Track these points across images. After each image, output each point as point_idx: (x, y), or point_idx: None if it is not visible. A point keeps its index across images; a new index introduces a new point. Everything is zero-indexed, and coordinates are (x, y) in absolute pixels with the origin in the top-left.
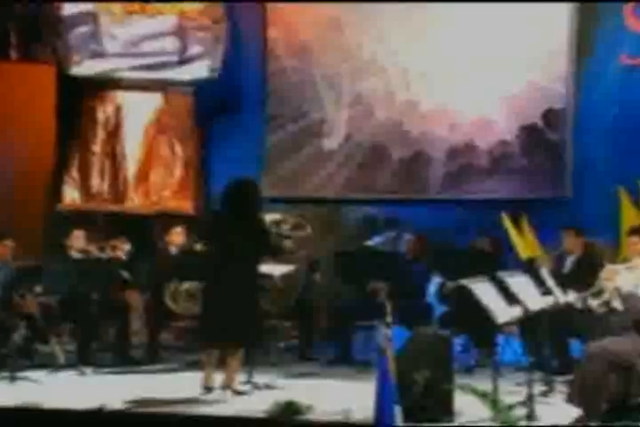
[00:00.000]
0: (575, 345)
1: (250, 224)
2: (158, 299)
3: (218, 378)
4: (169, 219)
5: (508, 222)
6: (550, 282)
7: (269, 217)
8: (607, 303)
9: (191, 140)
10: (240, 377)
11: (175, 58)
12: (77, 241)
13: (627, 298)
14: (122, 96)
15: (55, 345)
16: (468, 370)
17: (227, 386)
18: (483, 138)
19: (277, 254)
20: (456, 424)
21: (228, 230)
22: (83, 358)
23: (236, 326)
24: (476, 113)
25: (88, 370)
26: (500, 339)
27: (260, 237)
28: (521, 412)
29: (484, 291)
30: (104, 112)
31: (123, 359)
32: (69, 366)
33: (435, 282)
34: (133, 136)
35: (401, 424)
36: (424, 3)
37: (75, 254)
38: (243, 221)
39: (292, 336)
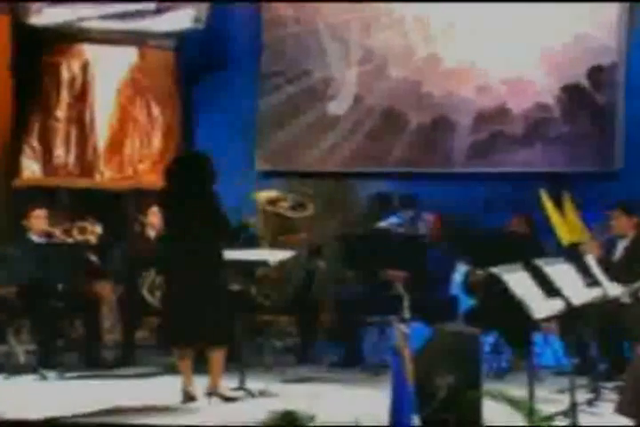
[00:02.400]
0: (626, 346)
1: (201, 204)
2: (134, 290)
3: (203, 382)
4: (146, 196)
5: (546, 201)
6: (597, 271)
7: (264, 195)
8: None
9: (172, 103)
10: (230, 382)
11: (153, 5)
12: (38, 222)
13: None
14: (90, 51)
15: (13, 344)
16: (500, 374)
17: (212, 391)
18: (517, 101)
19: (233, 240)
20: None
21: (178, 212)
22: (45, 360)
23: (197, 323)
24: (509, 71)
25: (51, 374)
26: (538, 338)
27: (214, 219)
28: (562, 423)
29: (518, 281)
30: (69, 70)
31: (92, 361)
32: (29, 369)
33: (460, 270)
34: (104, 98)
35: None
36: None
37: (35, 238)
38: (192, 199)
39: (291, 334)
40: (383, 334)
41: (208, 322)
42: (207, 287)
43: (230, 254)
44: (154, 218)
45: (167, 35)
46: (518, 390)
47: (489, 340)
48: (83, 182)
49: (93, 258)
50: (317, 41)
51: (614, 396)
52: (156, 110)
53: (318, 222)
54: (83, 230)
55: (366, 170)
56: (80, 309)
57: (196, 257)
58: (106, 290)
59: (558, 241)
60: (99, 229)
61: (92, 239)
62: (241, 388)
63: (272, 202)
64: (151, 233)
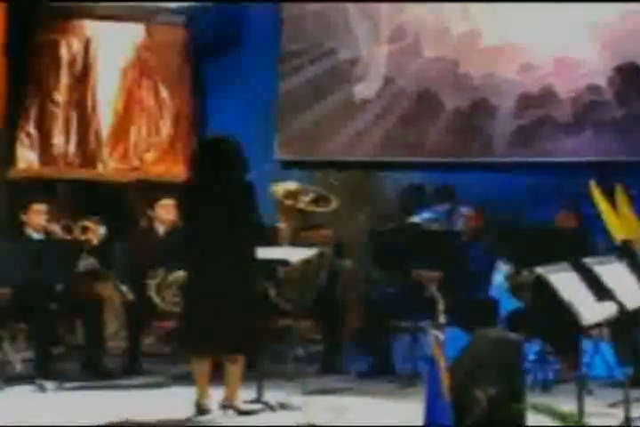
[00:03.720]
0: None
1: (232, 196)
2: (140, 293)
3: (216, 394)
4: (154, 189)
5: (597, 193)
6: None
7: (283, 187)
8: None
9: (182, 85)
10: (247, 394)
11: None
12: (37, 217)
13: None
14: (92, 28)
15: (8, 352)
16: (546, 386)
17: (227, 404)
18: (565, 82)
19: (263, 238)
20: None
21: (204, 205)
22: (42, 370)
23: (224, 329)
24: (557, 49)
25: (49, 385)
26: (588, 346)
27: (245, 214)
28: None
29: (565, 282)
30: (69, 49)
31: (94, 371)
32: (25, 379)
33: (501, 270)
34: (107, 80)
35: None
36: None
37: (33, 234)
38: (221, 192)
39: (314, 341)
40: (416, 340)
41: (234, 328)
42: (235, 290)
43: None
44: (162, 212)
45: (177, 10)
46: (566, 404)
47: (533, 348)
48: (84, 174)
49: (96, 257)
50: (343, 17)
51: None
52: (164, 93)
53: (343, 218)
54: (85, 230)
55: (397, 159)
56: (81, 312)
57: (223, 256)
58: (109, 292)
59: (610, 238)
60: (102, 229)
61: (95, 241)
62: (259, 400)
63: (292, 195)
64: (160, 229)
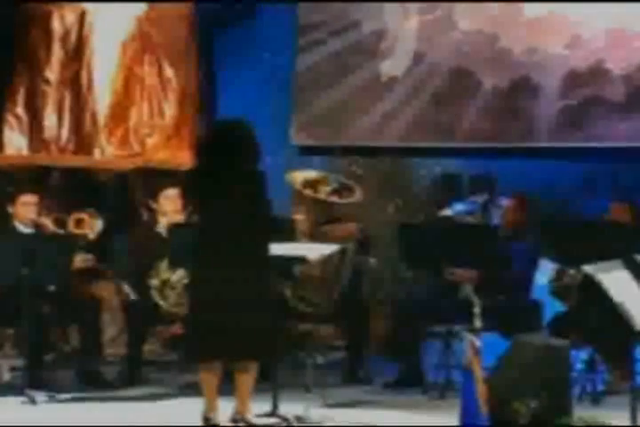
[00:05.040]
0: None
1: (244, 186)
2: (142, 293)
3: (228, 406)
4: (157, 177)
5: None
6: None
7: (301, 176)
8: None
9: (188, 61)
10: (261, 406)
11: None
12: (26, 210)
13: None
14: None
15: None
16: (595, 397)
17: (239, 418)
18: (617, 58)
19: (277, 232)
20: None
21: (212, 196)
22: (33, 379)
23: (234, 332)
24: (609, 21)
25: (41, 396)
26: None
27: (258, 206)
28: None
29: (617, 282)
30: (62, 21)
31: (90, 380)
32: (14, 389)
33: (544, 269)
34: (105, 56)
35: None
36: None
37: (22, 228)
38: (232, 182)
39: (336, 347)
40: (449, 347)
41: (245, 331)
42: (247, 289)
43: None
44: (166, 203)
45: None
46: (618, 418)
47: (581, 355)
48: (79, 161)
49: (92, 254)
50: None
51: None
52: (168, 71)
53: (369, 210)
54: (80, 223)
55: (429, 144)
56: (76, 315)
57: (233, 252)
58: (107, 292)
59: None
60: (99, 223)
61: (91, 235)
62: (274, 414)
63: (311, 185)
64: (163, 222)
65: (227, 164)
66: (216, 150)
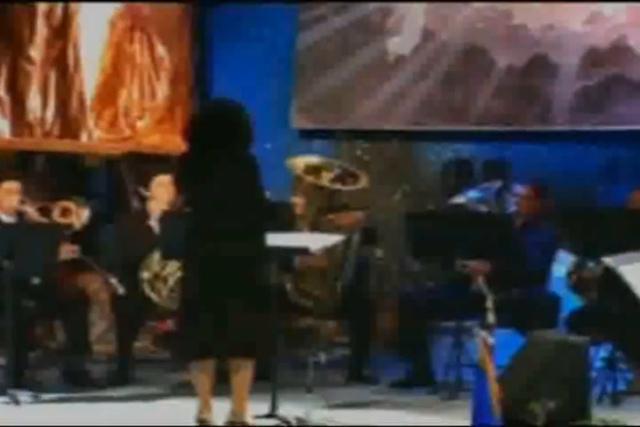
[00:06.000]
0: None
1: (236, 171)
2: (132, 286)
3: (221, 407)
4: (148, 163)
5: None
6: None
7: (302, 161)
8: None
9: (182, 39)
10: (259, 407)
11: None
12: (7, 197)
13: None
14: None
15: None
16: (616, 398)
17: (235, 420)
18: None
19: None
20: None
21: (202, 183)
22: (16, 378)
23: (228, 328)
24: None
25: (24, 396)
26: None
27: (251, 194)
28: None
29: (639, 275)
30: None
31: (77, 379)
32: None
33: (562, 260)
34: (92, 33)
35: None
36: None
37: (3, 217)
38: (223, 167)
39: (339, 344)
40: (460, 344)
41: (241, 327)
42: (242, 282)
43: None
44: (158, 191)
45: None
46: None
47: (601, 353)
48: (65, 145)
49: (79, 245)
50: None
51: None
52: (160, 49)
53: (375, 198)
54: (65, 212)
55: (439, 128)
56: (61, 310)
57: (228, 243)
58: (95, 286)
59: None
60: (86, 212)
61: (77, 224)
62: (273, 415)
63: (313, 171)
64: (154, 210)
65: (216, 147)
66: (205, 133)
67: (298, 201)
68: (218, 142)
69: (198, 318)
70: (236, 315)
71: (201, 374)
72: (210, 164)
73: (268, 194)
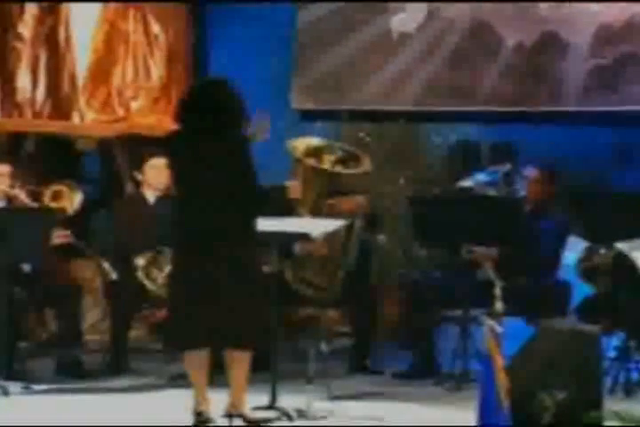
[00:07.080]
0: None
1: (228, 153)
2: (127, 274)
3: (219, 399)
4: (143, 145)
5: None
6: None
7: (303, 143)
8: None
9: (178, 16)
10: (259, 399)
11: None
12: None
13: None
14: None
15: None
16: (629, 389)
17: (233, 412)
18: None
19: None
20: None
21: (193, 166)
22: (6, 369)
23: (223, 318)
24: None
25: (14, 387)
26: None
27: (242, 175)
28: None
29: None
30: None
31: (70, 370)
32: None
33: (574, 247)
34: (84, 10)
35: None
36: None
37: None
38: (214, 150)
39: (341, 334)
40: (467, 333)
41: (237, 317)
42: (235, 269)
43: (258, 225)
44: (153, 174)
45: None
46: None
47: (613, 342)
48: (56, 126)
49: (71, 231)
50: None
51: None
52: (155, 26)
53: (378, 182)
54: (57, 196)
55: (445, 109)
56: (53, 298)
57: (219, 228)
58: (88, 273)
59: None
60: (79, 196)
61: (69, 208)
62: (273, 406)
63: (314, 153)
64: (149, 195)
65: (205, 128)
66: (194, 113)
67: (294, 184)
68: (203, 122)
69: (184, 308)
70: (227, 305)
71: (195, 365)
72: (197, 145)
73: (257, 176)
